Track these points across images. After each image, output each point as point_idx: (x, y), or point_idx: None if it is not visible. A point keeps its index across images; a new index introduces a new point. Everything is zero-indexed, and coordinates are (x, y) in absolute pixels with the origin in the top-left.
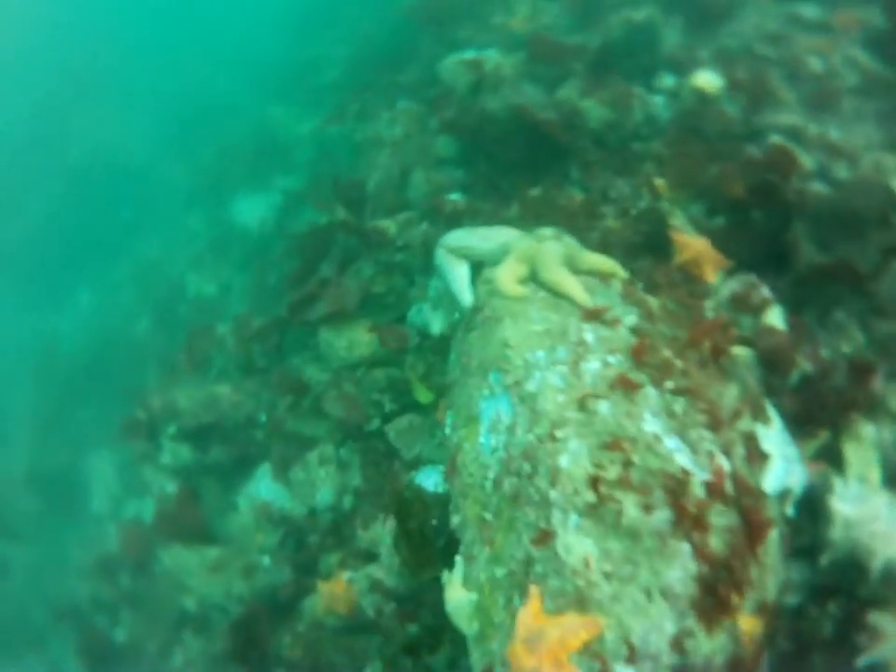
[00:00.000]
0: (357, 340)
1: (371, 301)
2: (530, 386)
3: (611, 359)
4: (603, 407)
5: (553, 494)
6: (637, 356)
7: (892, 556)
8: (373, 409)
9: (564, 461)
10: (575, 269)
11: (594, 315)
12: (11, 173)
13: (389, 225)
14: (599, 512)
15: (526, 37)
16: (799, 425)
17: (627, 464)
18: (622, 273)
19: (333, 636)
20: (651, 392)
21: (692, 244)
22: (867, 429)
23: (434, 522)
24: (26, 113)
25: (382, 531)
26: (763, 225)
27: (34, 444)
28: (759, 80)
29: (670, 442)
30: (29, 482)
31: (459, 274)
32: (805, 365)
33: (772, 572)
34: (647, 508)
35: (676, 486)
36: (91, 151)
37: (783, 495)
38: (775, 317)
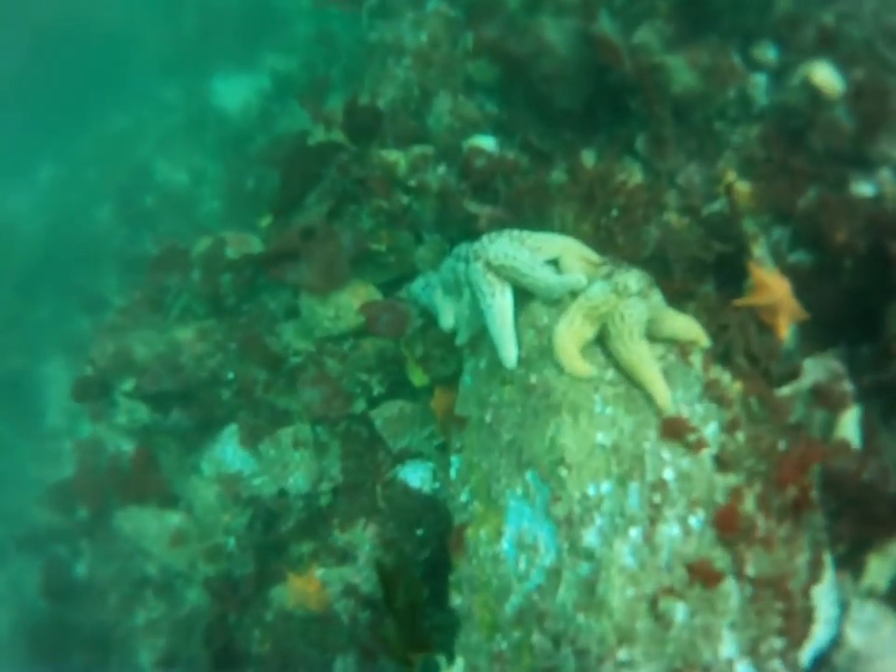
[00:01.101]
0: (346, 306)
1: (365, 257)
2: (589, 540)
3: (693, 521)
4: (679, 613)
5: None
6: (724, 526)
7: None
8: (359, 388)
9: None
10: (654, 336)
11: (675, 432)
12: None
13: (398, 159)
14: None
15: None
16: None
17: None
18: (705, 341)
19: (303, 626)
20: (731, 588)
21: (772, 287)
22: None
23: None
24: None
25: (361, 535)
26: (854, 280)
27: None
28: (880, 92)
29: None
30: None
31: (501, 309)
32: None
33: None
34: None
35: None
36: (58, 9)
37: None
38: (850, 426)
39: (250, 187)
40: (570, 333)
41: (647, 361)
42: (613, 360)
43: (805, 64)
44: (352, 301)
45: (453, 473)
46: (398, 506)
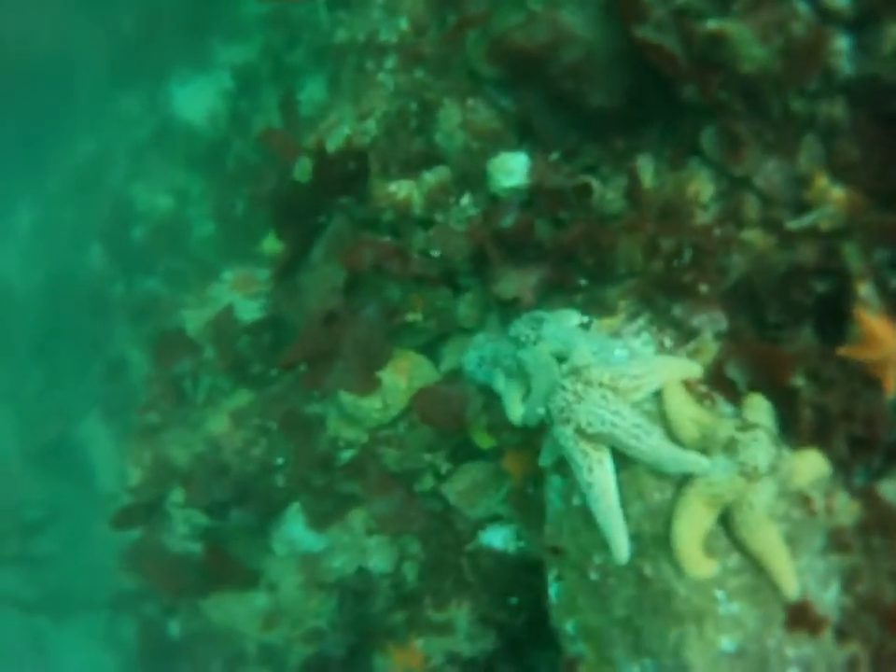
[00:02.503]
0: (392, 389)
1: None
2: None
3: None
4: None
5: None
6: None
7: None
8: (425, 468)
9: None
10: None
11: (799, 619)
12: None
13: (410, 192)
14: None
15: None
16: None
17: None
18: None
19: None
20: None
21: (883, 339)
22: None
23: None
24: None
25: (457, 613)
26: None
27: (15, 419)
28: None
29: None
30: (27, 462)
31: (604, 488)
32: None
33: None
34: None
35: None
36: None
37: None
38: None
39: (240, 210)
40: (691, 531)
41: (776, 549)
42: (737, 543)
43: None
44: (397, 379)
45: (553, 595)
46: (487, 575)
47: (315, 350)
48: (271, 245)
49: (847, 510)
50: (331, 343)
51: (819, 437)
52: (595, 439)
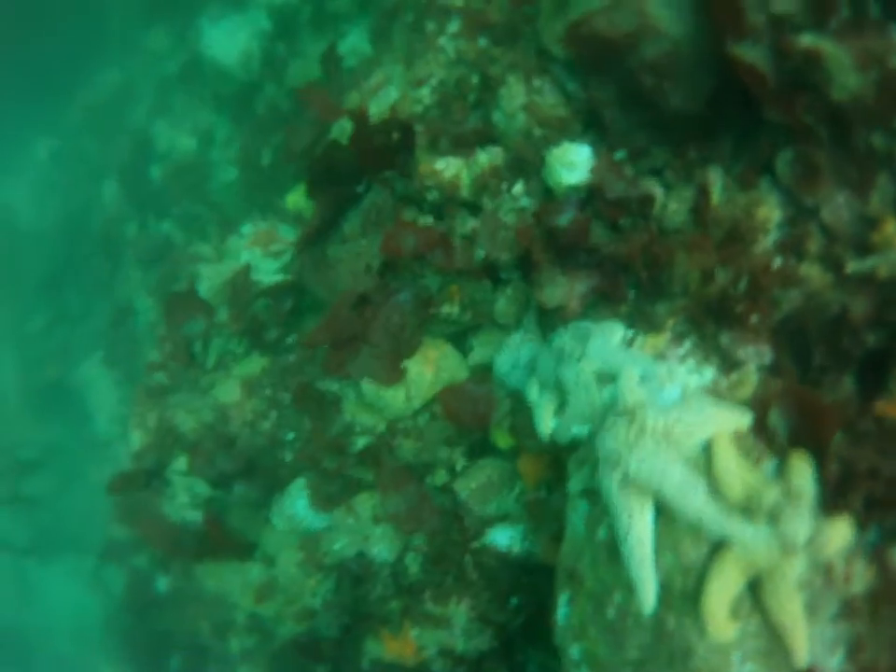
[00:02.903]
0: (418, 380)
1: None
2: None
3: None
4: None
5: None
6: None
7: None
8: (439, 462)
9: None
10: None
11: None
12: None
13: (459, 171)
14: None
15: None
16: None
17: None
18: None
19: None
20: None
21: None
22: None
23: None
24: None
25: (455, 609)
26: None
27: (16, 356)
28: None
29: None
30: (25, 401)
31: (640, 539)
32: None
33: None
34: None
35: None
36: None
37: None
38: None
39: (267, 160)
40: (721, 594)
41: (797, 620)
42: (760, 607)
43: None
44: (424, 370)
45: (562, 616)
46: (490, 574)
47: (342, 333)
48: (296, 200)
49: (862, 576)
50: (361, 328)
51: (839, 491)
52: (640, 487)
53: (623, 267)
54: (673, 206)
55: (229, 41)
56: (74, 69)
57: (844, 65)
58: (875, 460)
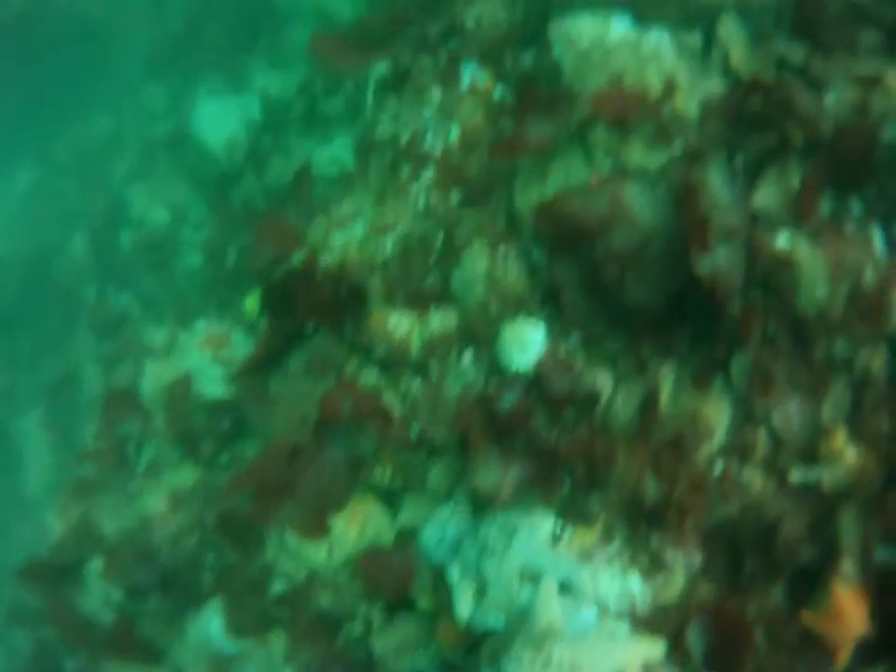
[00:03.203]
0: (342, 538)
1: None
2: None
3: None
4: None
5: None
6: None
7: None
8: (358, 616)
9: None
10: None
11: None
12: None
13: (411, 329)
14: None
15: None
16: None
17: None
18: None
19: None
20: None
21: (850, 619)
22: None
23: None
24: None
25: None
26: None
27: None
28: None
29: None
30: None
31: None
32: None
33: None
34: None
35: None
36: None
37: None
38: None
39: (231, 259)
40: None
41: None
42: None
43: None
44: (349, 527)
45: None
46: None
47: (270, 482)
48: (254, 306)
49: None
50: (290, 478)
51: None
52: None
53: (561, 463)
54: (620, 401)
55: (218, 124)
56: (72, 99)
57: (815, 276)
58: (790, 665)
